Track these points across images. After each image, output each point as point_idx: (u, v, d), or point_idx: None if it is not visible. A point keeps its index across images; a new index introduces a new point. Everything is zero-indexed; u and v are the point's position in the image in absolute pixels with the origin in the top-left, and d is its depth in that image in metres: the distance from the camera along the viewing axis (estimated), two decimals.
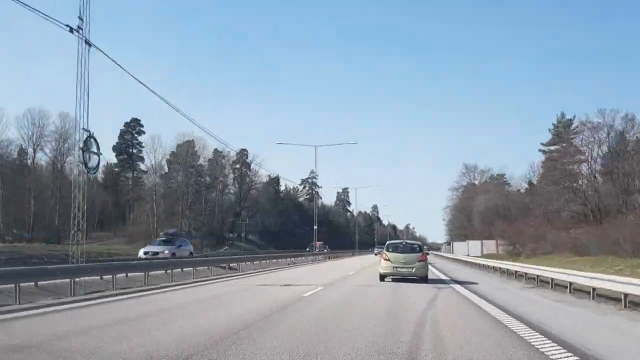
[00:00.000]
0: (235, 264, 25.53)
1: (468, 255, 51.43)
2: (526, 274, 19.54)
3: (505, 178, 78.60)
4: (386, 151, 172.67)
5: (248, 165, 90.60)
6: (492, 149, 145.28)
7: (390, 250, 17.97)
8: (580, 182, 48.89)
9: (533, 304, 12.16)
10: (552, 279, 15.78)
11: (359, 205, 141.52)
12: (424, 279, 17.44)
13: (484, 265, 31.27)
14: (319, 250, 56.01)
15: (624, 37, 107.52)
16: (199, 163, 78.29)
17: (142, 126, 79.87)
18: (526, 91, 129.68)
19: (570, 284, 14.26)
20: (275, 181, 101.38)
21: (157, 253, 25.08)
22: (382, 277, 17.64)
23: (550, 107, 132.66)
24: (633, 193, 43.19)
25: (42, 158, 64.04)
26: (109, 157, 78.39)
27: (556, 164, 52.74)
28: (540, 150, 67.03)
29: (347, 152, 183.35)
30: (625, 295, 10.87)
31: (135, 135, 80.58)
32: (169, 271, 17.70)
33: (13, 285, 10.32)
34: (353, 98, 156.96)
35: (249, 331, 7.09)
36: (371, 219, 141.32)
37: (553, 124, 65.63)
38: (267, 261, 31.57)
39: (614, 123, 47.29)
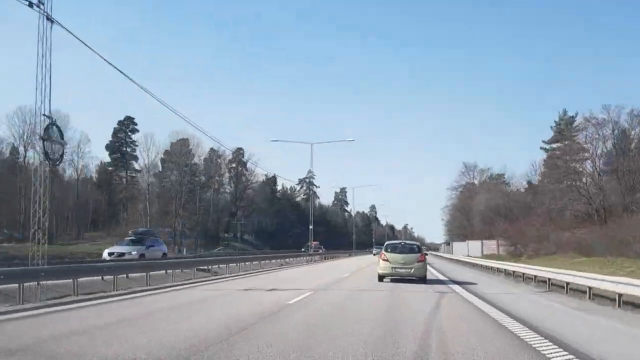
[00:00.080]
0: (221, 266, 23.64)
1: (468, 255, 49.82)
2: (535, 276, 18.00)
3: (505, 178, 77.24)
4: (384, 150, 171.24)
5: (244, 165, 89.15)
6: (492, 148, 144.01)
7: (389, 250, 17.85)
8: (584, 180, 47.47)
9: (555, 313, 10.47)
10: (567, 283, 14.19)
11: (356, 205, 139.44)
12: (422, 279, 17.51)
13: (485, 266, 29.79)
14: (314, 251, 54.41)
15: (624, 36, 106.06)
16: (193, 162, 76.60)
17: (136, 124, 77.99)
18: (526, 91, 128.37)
19: (590, 288, 12.69)
20: (272, 181, 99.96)
21: (122, 254, 22.42)
22: (381, 278, 17.65)
23: (551, 105, 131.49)
24: (639, 191, 41.87)
25: (34, 156, 62.58)
26: (103, 156, 77.25)
27: (558, 161, 51.48)
28: (541, 148, 65.87)
29: (344, 152, 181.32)
30: None
31: (129, 133, 78.73)
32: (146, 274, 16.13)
33: None
34: (353, 98, 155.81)
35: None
36: (369, 219, 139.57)
37: (555, 121, 64.44)
38: (259, 262, 29.89)
39: (619, 119, 46.14)
